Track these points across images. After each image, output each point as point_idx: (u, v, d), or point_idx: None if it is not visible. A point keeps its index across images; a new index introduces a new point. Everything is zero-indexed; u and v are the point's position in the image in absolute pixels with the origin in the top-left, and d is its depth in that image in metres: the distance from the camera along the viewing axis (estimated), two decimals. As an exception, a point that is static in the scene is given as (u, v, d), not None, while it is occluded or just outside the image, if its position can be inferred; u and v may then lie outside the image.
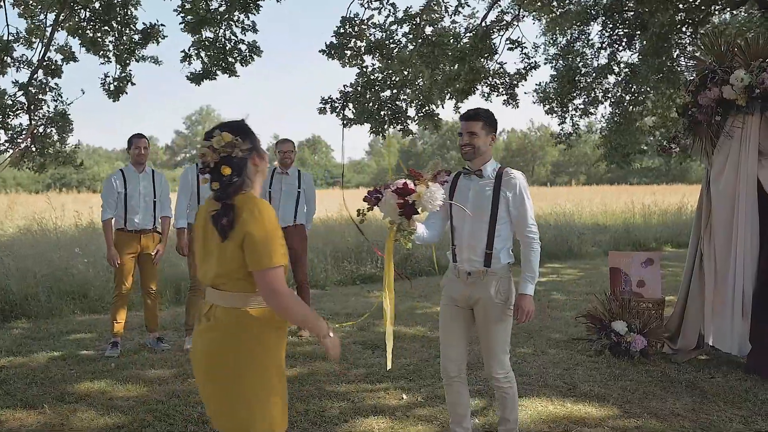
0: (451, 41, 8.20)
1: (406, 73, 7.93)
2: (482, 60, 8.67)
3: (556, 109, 12.66)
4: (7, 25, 8.65)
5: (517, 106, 10.88)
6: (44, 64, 8.51)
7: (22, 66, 8.53)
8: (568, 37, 12.74)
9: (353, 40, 7.82)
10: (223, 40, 8.29)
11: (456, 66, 8.36)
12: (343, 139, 9.24)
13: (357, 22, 7.83)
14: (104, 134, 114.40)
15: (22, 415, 4.77)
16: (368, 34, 7.87)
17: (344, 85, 7.91)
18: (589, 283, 10.85)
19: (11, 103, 8.52)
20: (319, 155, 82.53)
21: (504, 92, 10.50)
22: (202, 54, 8.30)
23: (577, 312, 7.89)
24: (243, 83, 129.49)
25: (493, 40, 8.87)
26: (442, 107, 9.64)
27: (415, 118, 8.11)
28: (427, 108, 8.04)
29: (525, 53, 10.15)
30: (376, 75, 7.94)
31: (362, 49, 7.86)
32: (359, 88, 7.89)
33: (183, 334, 6.97)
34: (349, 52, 7.85)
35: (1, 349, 6.59)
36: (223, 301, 2.70)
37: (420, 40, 8.07)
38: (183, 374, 5.78)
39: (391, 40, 7.90)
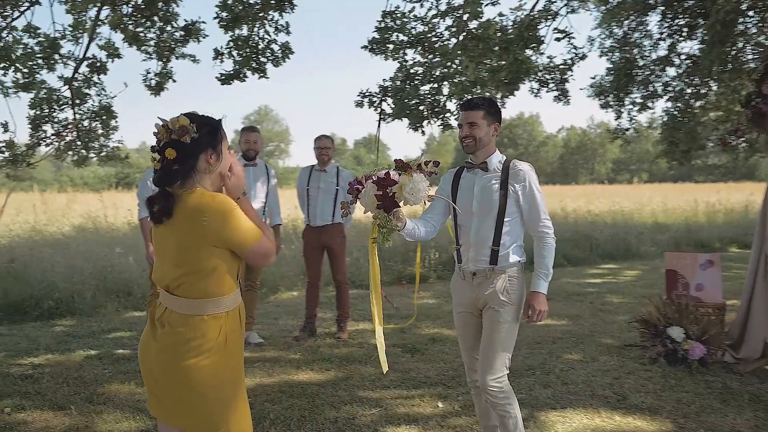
0: (497, 34, 7.86)
1: (448, 67, 7.61)
2: (528, 51, 8.27)
3: (612, 103, 12.13)
4: (53, 22, 8.72)
5: (568, 103, 10.38)
6: (89, 60, 8.53)
7: (69, 62, 8.57)
8: (625, 29, 12.22)
9: (395, 33, 7.57)
10: (256, 38, 8.15)
11: (500, 57, 8.01)
12: (378, 134, 8.81)
13: (398, 15, 7.57)
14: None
15: (48, 416, 4.70)
16: (410, 27, 7.60)
17: (383, 79, 7.66)
18: (647, 285, 10.32)
19: (56, 98, 8.58)
20: (376, 154, 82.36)
21: (554, 88, 10.04)
22: (234, 53, 8.17)
23: (632, 316, 7.45)
24: (301, 83, 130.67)
25: (539, 31, 8.45)
26: None
27: (456, 113, 7.78)
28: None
29: (572, 44, 9.68)
30: (416, 69, 7.65)
31: (404, 42, 7.59)
32: (398, 83, 7.61)
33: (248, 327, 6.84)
34: (391, 46, 7.59)
35: (40, 347, 6.60)
36: (178, 307, 2.56)
37: (464, 33, 7.75)
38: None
39: (433, 34, 7.61)
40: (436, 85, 7.94)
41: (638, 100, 12.21)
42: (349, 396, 5.15)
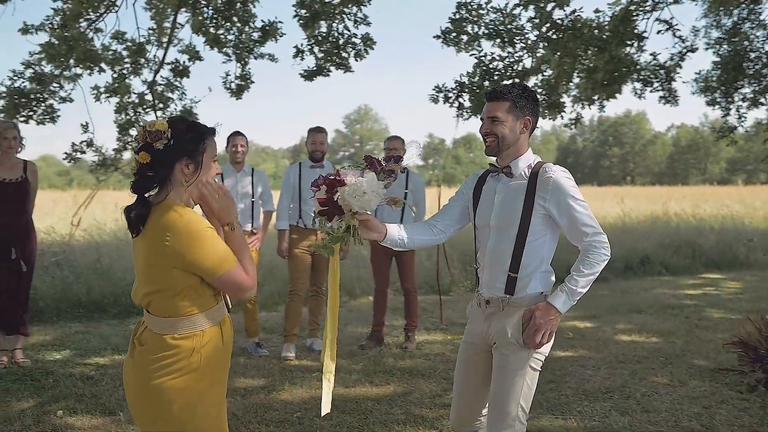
0: (592, 32, 7.31)
1: (529, 60, 7.17)
2: (625, 48, 7.65)
3: (719, 99, 11.25)
4: (138, 27, 8.90)
5: (677, 103, 9.60)
6: (170, 64, 8.65)
7: (153, 66, 8.72)
8: (735, 18, 11.26)
9: (470, 24, 7.18)
10: (336, 33, 7.99)
11: (595, 57, 7.45)
12: (456, 130, 8.40)
13: (474, 5, 7.17)
14: (272, 134, 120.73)
15: (97, 421, 4.64)
16: (487, 20, 7.19)
17: (460, 74, 7.26)
18: (754, 299, 9.40)
19: (141, 101, 8.75)
20: (475, 153, 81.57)
21: (660, 87, 9.28)
22: (315, 49, 8.06)
23: (729, 335, 6.73)
24: (401, 81, 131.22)
25: (637, 25, 7.81)
26: (589, 107, 8.68)
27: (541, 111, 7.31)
28: (551, 98, 7.20)
29: (679, 36, 8.92)
30: (495, 63, 7.22)
31: (480, 34, 7.19)
32: (476, 78, 7.21)
33: (283, 340, 6.67)
34: (465, 38, 7.21)
35: (109, 346, 6.65)
36: (151, 325, 2.38)
37: (547, 24, 7.26)
38: (270, 386, 5.47)
39: (513, 25, 7.16)
40: (517, 81, 7.47)
41: (749, 96, 11.26)
42: (404, 415, 4.83)
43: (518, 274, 2.93)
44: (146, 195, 2.36)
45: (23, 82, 7.34)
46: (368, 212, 2.73)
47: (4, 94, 7.10)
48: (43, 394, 5.18)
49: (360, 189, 2.64)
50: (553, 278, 3.03)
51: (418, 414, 4.84)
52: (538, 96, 7.40)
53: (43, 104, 7.41)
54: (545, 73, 7.30)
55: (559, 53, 6.96)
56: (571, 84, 7.78)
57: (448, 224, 3.15)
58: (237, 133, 6.45)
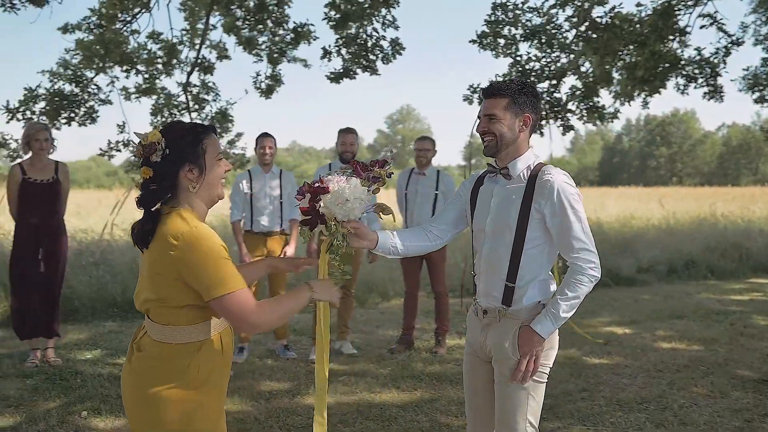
0: (633, 26, 7.07)
1: (566, 61, 6.95)
2: (667, 43, 7.38)
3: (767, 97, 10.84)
4: (171, 28, 8.95)
5: (721, 100, 9.24)
6: (199, 63, 8.68)
7: (185, 67, 8.77)
8: (786, 12, 10.82)
9: (507, 27, 7.00)
10: (364, 36, 7.91)
11: (635, 53, 7.20)
12: (473, 129, 8.21)
13: (510, 6, 6.99)
14: (315, 135, 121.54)
15: (120, 423, 4.64)
16: (524, 20, 7.01)
17: (495, 75, 7.10)
18: (805, 306, 9.00)
19: (176, 103, 8.81)
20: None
21: (704, 83, 8.95)
22: (342, 51, 7.99)
23: (776, 344, 6.44)
24: (443, 81, 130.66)
25: (679, 19, 7.53)
26: (628, 104, 8.43)
27: (577, 112, 7.08)
28: (590, 101, 6.97)
29: (724, 30, 8.58)
30: (531, 64, 7.03)
31: (517, 36, 7.00)
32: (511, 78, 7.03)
33: (312, 343, 6.60)
34: (502, 41, 7.03)
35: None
36: (151, 332, 2.30)
37: (586, 23, 7.05)
38: (295, 390, 5.40)
39: (551, 26, 6.96)
40: (554, 82, 7.26)
41: (800, 93, 10.81)
42: (429, 423, 4.71)
43: (515, 283, 2.76)
44: (153, 209, 2.28)
45: (63, 84, 7.43)
46: (354, 220, 2.58)
47: (44, 96, 7.20)
48: (70, 393, 5.21)
49: (342, 196, 2.48)
50: (553, 286, 2.85)
51: (444, 422, 4.71)
52: (578, 100, 7.25)
53: (84, 106, 7.49)
54: (584, 74, 7.08)
55: (599, 54, 6.72)
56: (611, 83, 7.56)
57: (445, 229, 2.98)
58: (265, 135, 6.41)
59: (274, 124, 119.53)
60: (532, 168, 2.79)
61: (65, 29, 8.09)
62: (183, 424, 2.26)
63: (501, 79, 2.81)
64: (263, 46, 8.59)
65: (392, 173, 2.67)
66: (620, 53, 7.11)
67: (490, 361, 2.88)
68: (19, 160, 6.19)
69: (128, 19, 8.14)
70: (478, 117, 2.85)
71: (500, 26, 7.06)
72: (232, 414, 4.81)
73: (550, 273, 2.83)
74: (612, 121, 7.98)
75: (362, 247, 2.71)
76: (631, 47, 6.73)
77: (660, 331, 7.45)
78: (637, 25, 7.02)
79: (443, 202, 6.56)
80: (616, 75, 7.70)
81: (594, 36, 6.66)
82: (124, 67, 7.98)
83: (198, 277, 2.18)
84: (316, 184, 2.54)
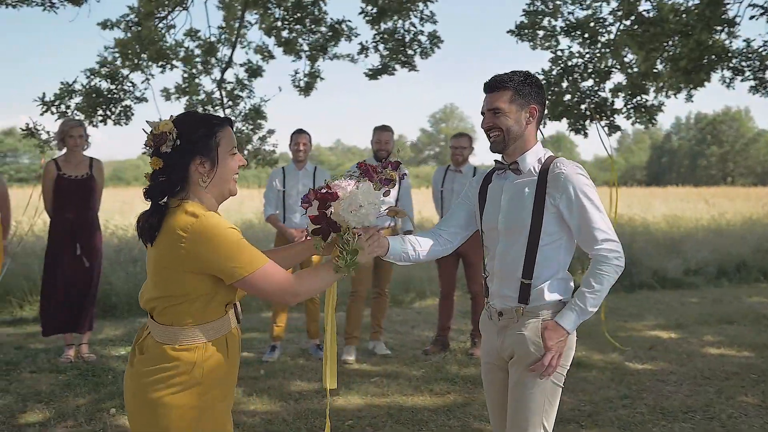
0: (679, 16, 6.77)
1: (610, 57, 6.68)
2: (714, 34, 7.04)
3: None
4: (209, 26, 8.94)
5: (768, 94, 8.82)
6: (244, 65, 8.66)
7: (221, 64, 8.75)
8: None
9: (546, 18, 6.77)
10: (402, 31, 7.77)
11: (680, 44, 6.89)
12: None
13: (551, -3, 6.77)
14: (357, 133, 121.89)
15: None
16: (565, 12, 6.76)
17: (535, 72, 6.84)
18: None
19: (208, 100, 8.79)
20: (564, 152, 79.62)
21: (751, 76, 8.53)
22: (380, 47, 7.86)
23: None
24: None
25: (728, 9, 7.17)
26: (675, 96, 8.09)
27: (623, 111, 6.79)
28: (639, 98, 6.68)
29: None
30: (574, 60, 6.76)
31: (557, 29, 6.76)
32: (553, 77, 6.77)
33: (345, 342, 6.48)
34: (541, 33, 6.80)
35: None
36: (154, 333, 2.21)
37: (632, 17, 6.76)
38: (324, 390, 5.27)
39: (594, 19, 6.69)
40: (598, 80, 6.99)
41: None
42: (461, 428, 4.54)
43: (532, 281, 2.61)
44: (161, 202, 2.19)
45: (99, 81, 7.46)
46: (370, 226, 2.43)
47: (81, 93, 7.23)
48: (101, 390, 5.19)
49: (356, 202, 2.32)
50: (572, 284, 2.70)
51: (477, 428, 4.54)
52: (621, 97, 6.92)
53: (119, 104, 7.51)
54: (630, 71, 6.79)
55: (644, 49, 6.43)
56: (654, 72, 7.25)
57: (455, 232, 2.84)
58: (300, 131, 6.32)
59: (319, 122, 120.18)
60: (542, 161, 2.65)
61: (104, 25, 8.14)
62: (184, 425, 2.15)
63: (506, 72, 2.66)
64: (302, 46, 8.50)
65: (406, 173, 2.62)
66: (665, 45, 6.78)
67: (506, 367, 2.72)
68: (54, 156, 6.21)
69: (164, 15, 8.13)
70: (482, 113, 2.71)
71: (540, 17, 6.82)
72: (260, 414, 4.73)
73: (568, 272, 2.68)
74: (656, 116, 7.65)
75: (376, 254, 2.54)
76: (676, 38, 6.42)
77: (708, 336, 7.13)
78: (683, 15, 6.71)
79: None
80: (660, 67, 7.39)
81: (640, 31, 6.37)
82: (159, 63, 7.97)
83: (218, 264, 2.11)
84: (323, 190, 2.39)
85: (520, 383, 2.62)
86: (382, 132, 6.37)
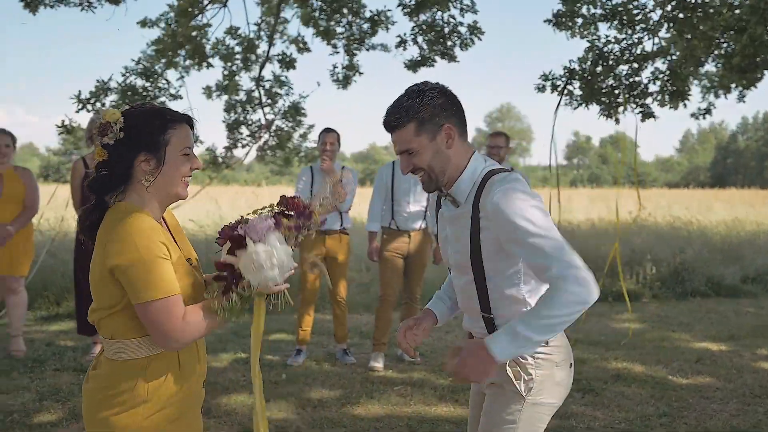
0: (731, 10, 6.34)
1: (650, 43, 6.33)
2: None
3: None
4: (248, 23, 8.88)
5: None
6: (278, 56, 8.57)
7: (259, 61, 8.70)
8: None
9: (586, 5, 6.45)
10: (441, 22, 7.54)
11: (733, 40, 6.46)
12: (555, 121, 7.31)
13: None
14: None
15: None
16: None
17: (570, 60, 6.52)
18: None
19: (250, 98, 8.75)
20: (624, 153, 77.25)
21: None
22: (419, 39, 7.66)
23: None
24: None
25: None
26: (724, 97, 7.64)
27: (659, 97, 6.42)
28: (674, 87, 6.29)
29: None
30: (610, 47, 6.43)
31: (596, 15, 6.42)
32: (588, 63, 6.44)
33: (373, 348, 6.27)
34: (580, 20, 6.48)
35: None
36: (105, 347, 2.05)
37: (673, 2, 6.37)
38: (345, 398, 5.10)
39: (633, 4, 6.33)
40: (636, 65, 6.63)
41: None
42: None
43: (493, 316, 2.29)
44: (106, 197, 2.04)
45: (135, 78, 7.48)
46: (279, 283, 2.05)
47: (117, 90, 7.26)
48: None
49: (257, 259, 1.96)
50: None
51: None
52: (657, 84, 6.54)
53: (154, 101, 7.52)
54: (669, 58, 6.41)
55: (687, 36, 6.04)
56: (700, 70, 6.83)
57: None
58: (328, 130, 6.15)
59: (375, 121, 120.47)
60: (477, 183, 2.24)
61: (144, 23, 8.17)
62: None
63: (394, 102, 2.25)
64: (340, 37, 8.37)
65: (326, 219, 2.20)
66: (717, 41, 6.36)
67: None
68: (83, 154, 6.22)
69: (198, 12, 8.10)
70: (397, 154, 2.34)
71: (578, 4, 6.50)
72: (274, 422, 4.58)
73: (528, 307, 2.27)
74: (704, 117, 7.24)
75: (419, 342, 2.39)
76: (728, 34, 6.00)
77: (762, 350, 6.66)
78: (737, 10, 6.27)
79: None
80: (710, 65, 6.96)
81: (681, 16, 5.99)
82: (196, 60, 7.95)
83: (127, 277, 1.91)
84: (239, 229, 2.02)
85: (486, 413, 2.34)
86: None
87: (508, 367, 2.24)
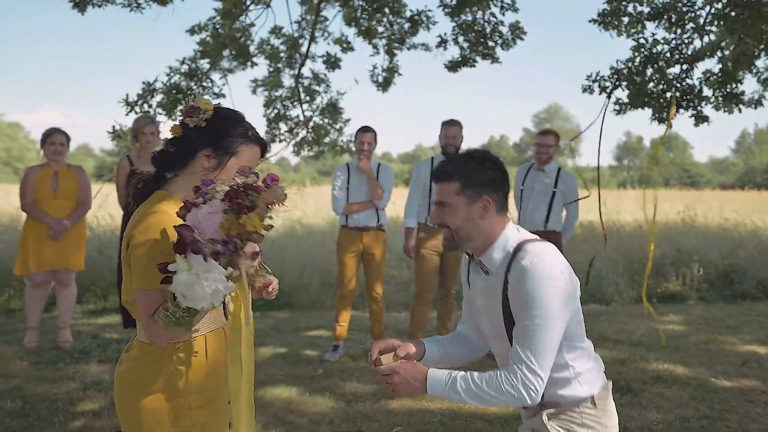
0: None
1: (699, 43, 6.16)
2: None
3: None
4: (291, 22, 8.99)
5: None
6: (322, 57, 8.67)
7: (300, 59, 8.81)
8: None
9: (632, 3, 6.32)
10: (482, 22, 7.50)
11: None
12: (602, 126, 7.04)
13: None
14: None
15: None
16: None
17: (617, 61, 6.40)
18: None
19: (293, 94, 8.87)
20: (676, 153, 75.92)
21: None
22: (460, 39, 7.64)
23: None
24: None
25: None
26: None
27: (712, 100, 6.24)
28: (729, 87, 6.11)
29: None
30: (659, 47, 6.28)
31: (643, 14, 6.30)
32: (636, 64, 6.31)
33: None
34: (626, 19, 6.36)
35: (241, 339, 6.69)
36: (138, 330, 2.11)
37: (724, 1, 6.21)
38: (379, 393, 5.11)
39: (682, 2, 6.18)
40: (686, 67, 6.47)
41: None
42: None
43: None
44: (165, 173, 2.13)
45: (179, 78, 7.65)
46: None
47: (162, 90, 7.43)
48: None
49: (188, 282, 1.77)
50: (577, 387, 2.29)
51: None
52: (709, 86, 6.38)
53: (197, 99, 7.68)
54: (720, 57, 6.25)
55: (739, 34, 5.87)
56: (755, 66, 6.63)
57: (478, 333, 2.52)
58: (365, 129, 6.19)
59: (422, 122, 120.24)
60: (510, 253, 2.24)
61: (192, 31, 8.34)
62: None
63: (454, 154, 2.27)
64: (381, 36, 8.41)
65: (285, 195, 1.90)
66: (763, 30, 6.17)
67: None
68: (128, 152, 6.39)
69: (241, 13, 8.24)
70: (434, 204, 2.36)
71: (624, 2, 6.39)
72: (308, 414, 4.64)
73: (573, 371, 2.27)
74: (755, 107, 7.00)
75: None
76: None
77: (812, 354, 6.44)
78: None
79: (561, 202, 6.09)
80: (763, 59, 6.74)
81: (733, 14, 5.82)
82: (240, 60, 8.09)
83: (132, 260, 1.99)
84: (193, 220, 1.85)
85: None
86: (450, 126, 6.15)
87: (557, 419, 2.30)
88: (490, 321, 2.33)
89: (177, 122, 2.14)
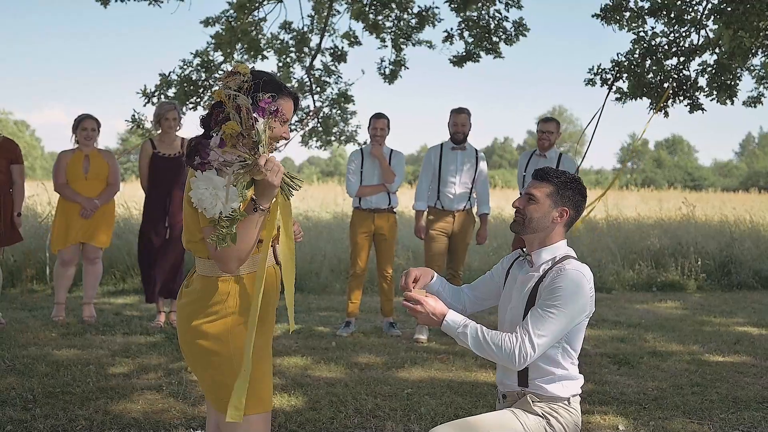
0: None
1: (696, 36, 6.47)
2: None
3: None
4: (302, 17, 9.31)
5: None
6: (329, 50, 8.98)
7: (310, 52, 9.12)
8: None
9: (633, -1, 6.65)
10: (486, 17, 7.82)
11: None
12: (599, 115, 7.30)
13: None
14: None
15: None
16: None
17: (618, 53, 6.71)
18: None
19: (300, 86, 9.18)
20: (680, 156, 75.91)
21: None
22: (465, 34, 7.96)
23: None
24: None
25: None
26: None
27: (707, 90, 6.54)
28: (722, 78, 6.41)
29: None
30: (658, 40, 6.59)
31: (644, 9, 6.61)
32: (636, 56, 6.62)
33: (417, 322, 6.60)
34: (627, 14, 6.67)
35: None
36: (198, 266, 2.39)
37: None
38: (390, 363, 5.43)
39: (681, -1, 6.50)
40: (683, 59, 6.78)
41: None
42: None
43: (528, 373, 2.62)
44: (212, 132, 2.32)
45: (192, 70, 7.97)
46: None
47: (176, 82, 7.76)
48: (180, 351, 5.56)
49: (199, 196, 2.23)
50: (578, 385, 2.68)
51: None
52: (705, 76, 6.70)
53: (209, 91, 8.00)
54: (716, 51, 6.55)
55: (733, 28, 6.17)
56: (751, 62, 6.94)
57: (478, 300, 2.89)
58: (378, 116, 6.50)
59: (423, 124, 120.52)
60: (556, 259, 2.64)
61: (207, 23, 8.67)
62: (223, 351, 2.33)
63: (554, 169, 2.72)
64: (388, 31, 8.72)
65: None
66: (765, 32, 6.47)
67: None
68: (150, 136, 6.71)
69: (255, 7, 8.55)
70: (521, 193, 2.75)
71: (625, -1, 6.71)
72: (324, 379, 4.93)
73: (560, 372, 2.61)
74: (754, 106, 7.31)
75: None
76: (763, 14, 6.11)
77: (804, 335, 6.73)
78: None
79: None
80: (760, 56, 7.04)
81: (728, 9, 6.11)
82: (251, 53, 8.40)
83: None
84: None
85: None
86: (458, 114, 6.46)
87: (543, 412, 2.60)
88: (514, 309, 2.67)
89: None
